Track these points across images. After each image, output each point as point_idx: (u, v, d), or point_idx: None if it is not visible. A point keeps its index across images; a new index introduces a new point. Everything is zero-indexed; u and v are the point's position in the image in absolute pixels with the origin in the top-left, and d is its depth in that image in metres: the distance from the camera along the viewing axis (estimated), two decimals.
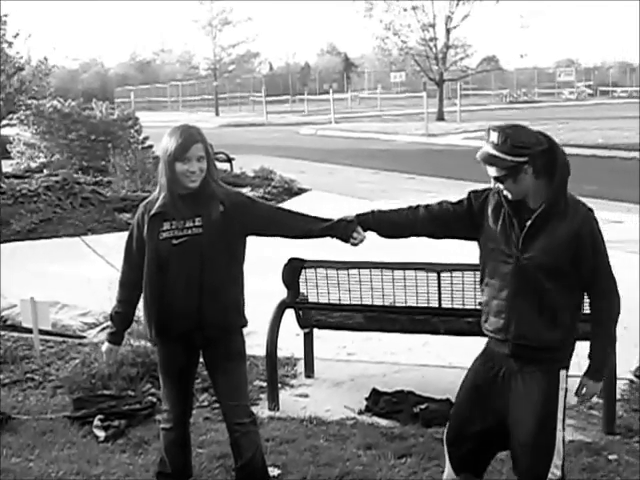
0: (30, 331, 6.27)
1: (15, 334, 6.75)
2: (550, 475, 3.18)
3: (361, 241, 3.60)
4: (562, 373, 3.29)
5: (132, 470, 4.23)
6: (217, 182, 3.59)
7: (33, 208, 12.41)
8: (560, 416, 3.24)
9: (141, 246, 3.58)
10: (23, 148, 18.31)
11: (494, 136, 3.13)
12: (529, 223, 3.18)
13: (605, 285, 3.29)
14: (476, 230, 3.38)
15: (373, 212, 3.65)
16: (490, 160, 3.14)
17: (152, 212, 3.54)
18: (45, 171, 15.95)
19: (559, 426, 3.23)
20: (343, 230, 3.61)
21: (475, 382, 3.46)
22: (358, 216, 3.62)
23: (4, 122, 18.30)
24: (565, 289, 3.22)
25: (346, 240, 3.62)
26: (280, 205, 13.80)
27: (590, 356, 3.33)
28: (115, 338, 3.79)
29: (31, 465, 4.32)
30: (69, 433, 4.75)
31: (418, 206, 3.59)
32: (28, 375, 5.78)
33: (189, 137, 3.47)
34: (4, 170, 17.44)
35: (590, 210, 3.27)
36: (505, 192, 3.20)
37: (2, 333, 6.86)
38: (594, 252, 3.23)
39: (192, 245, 3.48)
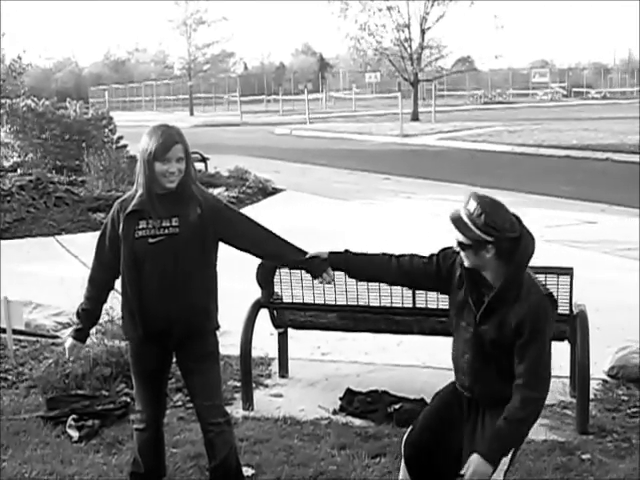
0: (3, 331, 6.22)
1: None
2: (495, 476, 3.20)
3: (329, 282, 3.75)
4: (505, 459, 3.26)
5: (106, 470, 4.21)
6: (196, 184, 3.58)
7: (6, 207, 12.30)
8: (509, 457, 3.27)
9: (114, 244, 3.57)
10: None
11: (472, 205, 3.17)
12: (485, 305, 3.24)
13: (527, 380, 3.17)
14: (445, 287, 3.47)
15: (347, 252, 3.70)
16: (460, 225, 3.19)
17: (128, 210, 3.52)
18: (19, 170, 15.80)
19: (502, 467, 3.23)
20: (315, 267, 3.68)
21: (444, 399, 3.56)
22: (331, 254, 3.67)
23: None
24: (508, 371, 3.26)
25: (315, 277, 3.74)
26: (255, 205, 13.83)
27: (489, 437, 3.21)
28: (80, 335, 3.77)
29: (4, 465, 4.30)
30: (42, 433, 4.72)
31: (391, 256, 3.62)
32: (1, 375, 5.73)
33: (169, 138, 3.46)
34: None
35: (548, 295, 3.25)
36: (463, 257, 3.25)
37: None
38: (529, 342, 3.16)
39: (168, 245, 3.47)
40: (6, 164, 17.49)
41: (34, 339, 6.49)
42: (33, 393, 5.34)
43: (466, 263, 3.25)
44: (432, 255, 3.51)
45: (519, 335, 3.17)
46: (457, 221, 3.20)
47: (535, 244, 3.26)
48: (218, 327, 3.72)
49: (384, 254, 3.67)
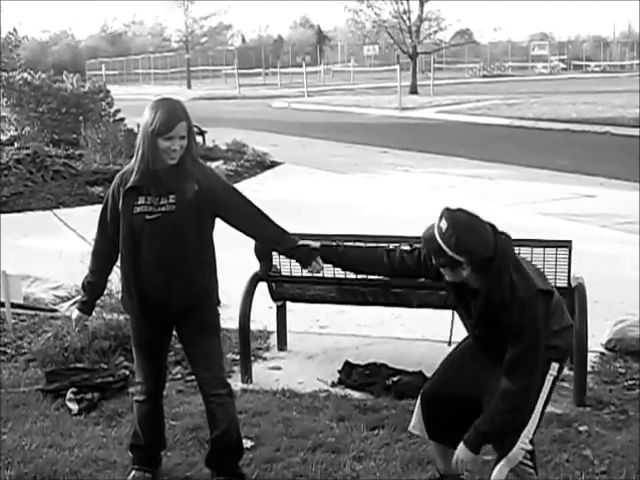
0: (2, 305, 6.23)
1: None
2: (521, 445, 3.25)
3: (318, 272, 3.70)
4: (553, 365, 3.32)
5: (105, 442, 4.23)
6: (196, 160, 3.56)
7: (4, 181, 12.26)
8: (543, 396, 3.30)
9: (115, 217, 3.56)
10: None
11: (444, 224, 3.12)
12: (476, 314, 3.25)
13: (508, 372, 3.17)
14: (436, 277, 3.40)
15: (338, 247, 3.72)
16: (432, 248, 3.15)
17: (128, 185, 3.50)
18: (16, 144, 15.73)
19: (538, 406, 3.28)
20: (304, 256, 3.66)
21: (466, 347, 3.55)
22: (323, 247, 3.67)
23: None
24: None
25: (304, 266, 3.72)
26: (252, 178, 13.79)
27: (473, 426, 3.25)
28: (85, 307, 3.78)
29: (4, 438, 4.31)
30: (42, 406, 4.73)
31: (383, 252, 3.61)
32: (0, 348, 5.74)
33: (174, 115, 3.41)
34: None
35: (541, 292, 3.18)
36: (443, 272, 3.22)
37: None
38: (519, 337, 3.15)
39: (164, 222, 3.46)
40: (3, 138, 17.42)
41: (33, 313, 6.50)
42: (32, 366, 5.36)
43: (447, 277, 3.23)
44: (418, 250, 3.46)
45: (513, 333, 3.16)
46: (429, 243, 3.15)
47: (512, 243, 3.24)
48: (219, 302, 3.72)
49: (376, 248, 3.66)
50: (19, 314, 6.35)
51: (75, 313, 3.81)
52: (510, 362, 3.17)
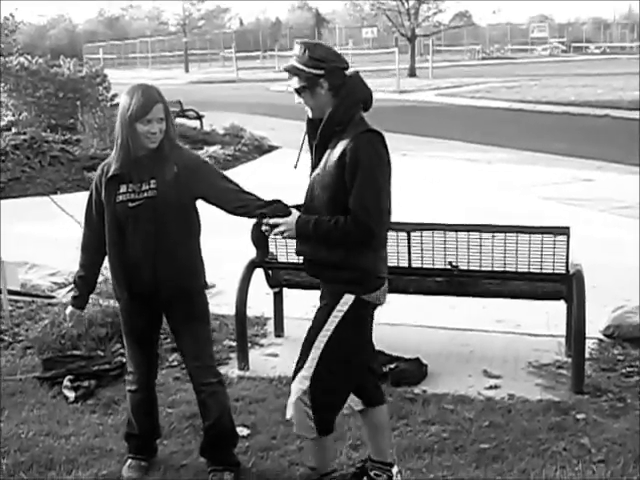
0: None
1: None
2: (304, 373, 3.31)
3: (271, 229, 3.32)
4: (346, 297, 3.24)
5: (102, 430, 4.23)
6: (174, 143, 3.53)
7: (1, 167, 12.22)
8: (327, 333, 3.25)
9: (100, 208, 3.56)
10: None
11: (297, 49, 3.26)
12: (316, 141, 3.29)
13: (353, 207, 3.10)
14: None
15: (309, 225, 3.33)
16: (291, 70, 3.26)
17: (109, 174, 3.50)
18: (13, 129, 15.65)
19: (319, 340, 3.27)
20: (273, 209, 3.38)
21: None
22: (300, 220, 3.27)
23: None
24: (338, 209, 3.15)
25: (263, 216, 3.39)
26: (250, 163, 13.74)
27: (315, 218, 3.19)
28: (79, 302, 3.78)
29: (1, 426, 4.31)
30: (39, 394, 4.73)
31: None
32: None
33: (150, 97, 3.41)
34: None
35: (371, 132, 3.16)
36: (307, 108, 3.29)
37: None
38: (354, 173, 3.09)
39: (147, 208, 3.45)
40: (0, 123, 17.36)
41: (30, 299, 6.48)
42: (29, 354, 5.35)
43: (309, 113, 3.30)
44: None
45: (342, 167, 3.12)
46: (289, 68, 3.28)
47: (367, 90, 3.25)
48: (206, 286, 3.71)
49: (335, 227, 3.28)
50: (16, 301, 6.33)
51: (69, 309, 3.80)
52: (352, 204, 3.09)
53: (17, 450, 4.01)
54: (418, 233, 5.03)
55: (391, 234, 5.07)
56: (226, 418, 3.70)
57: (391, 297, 5.54)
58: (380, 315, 5.85)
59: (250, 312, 5.27)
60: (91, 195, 3.61)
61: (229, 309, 5.22)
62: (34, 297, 6.55)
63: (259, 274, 5.26)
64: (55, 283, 6.89)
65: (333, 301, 3.26)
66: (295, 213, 3.31)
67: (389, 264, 4.98)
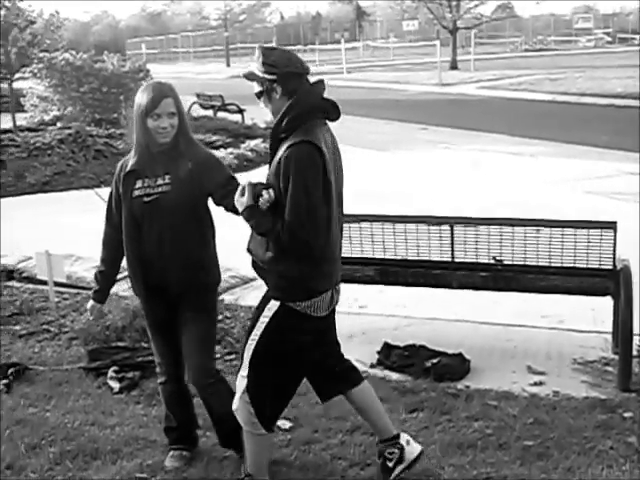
0: (45, 283, 6.32)
1: (31, 286, 6.83)
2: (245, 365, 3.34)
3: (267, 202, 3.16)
4: (272, 303, 3.27)
5: (145, 421, 4.27)
6: (189, 139, 3.57)
7: (47, 161, 12.44)
8: (255, 338, 3.31)
9: (119, 204, 3.62)
10: (36, 101, 18.27)
11: (256, 54, 3.28)
12: (269, 145, 3.28)
13: (288, 219, 3.06)
14: None
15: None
16: (248, 76, 3.28)
17: (126, 170, 3.57)
18: (58, 124, 15.91)
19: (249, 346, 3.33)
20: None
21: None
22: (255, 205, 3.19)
23: (17, 75, 18.28)
24: (279, 214, 3.11)
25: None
26: None
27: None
28: (99, 296, 3.84)
29: (47, 415, 4.39)
30: (84, 384, 4.81)
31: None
32: (44, 327, 5.85)
33: (159, 93, 3.47)
34: (18, 123, 17.44)
35: (305, 142, 3.09)
36: (270, 112, 3.29)
37: (18, 285, 6.94)
38: (286, 184, 3.08)
39: (161, 203, 3.50)
40: (46, 118, 17.64)
41: (75, 291, 6.58)
42: (75, 345, 5.44)
43: (272, 117, 3.29)
44: None
45: (277, 175, 3.11)
46: (247, 75, 3.29)
47: (320, 99, 3.24)
48: (217, 282, 3.73)
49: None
50: (62, 293, 6.44)
51: (90, 303, 3.87)
52: (287, 207, 3.06)
53: (63, 439, 4.08)
54: (462, 227, 5.00)
55: (434, 228, 5.07)
56: (229, 416, 3.57)
57: (434, 292, 5.58)
58: (422, 310, 5.89)
59: None
60: (111, 192, 3.68)
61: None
62: (79, 289, 6.65)
63: None
64: None
65: (262, 305, 3.32)
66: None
67: (432, 258, 5.03)
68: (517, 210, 7.76)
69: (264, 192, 3.12)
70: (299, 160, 3.07)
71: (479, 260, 4.99)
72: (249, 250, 3.33)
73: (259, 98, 3.29)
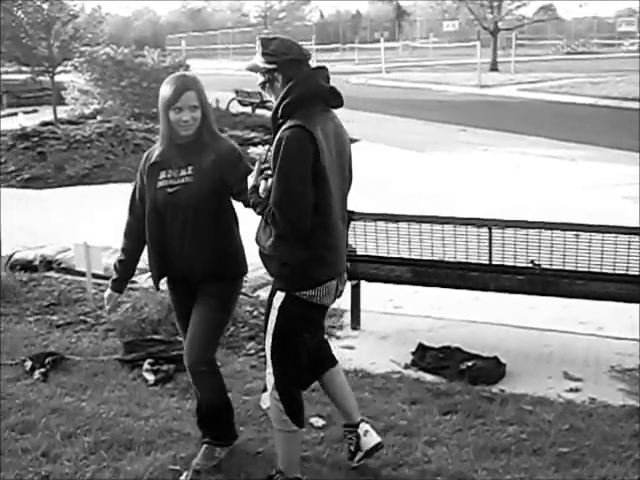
0: (83, 274, 6.39)
1: (69, 277, 6.92)
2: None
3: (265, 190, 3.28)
4: (278, 295, 3.32)
5: (179, 414, 4.30)
6: (214, 133, 3.58)
7: (86, 154, 12.57)
8: (271, 325, 3.36)
9: (143, 195, 3.64)
10: (77, 94, 18.49)
11: (256, 45, 3.32)
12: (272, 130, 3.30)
13: (273, 200, 3.13)
14: None
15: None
16: (252, 68, 3.33)
17: (151, 161, 3.59)
18: (98, 117, 16.08)
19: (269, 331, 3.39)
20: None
21: None
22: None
23: (59, 69, 18.49)
24: None
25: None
26: None
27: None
28: (117, 285, 3.85)
29: (83, 405, 4.43)
30: (119, 375, 4.85)
31: None
32: (81, 317, 5.91)
33: (181, 85, 3.48)
34: (59, 116, 17.66)
35: (298, 127, 3.11)
36: (268, 95, 3.34)
37: (56, 276, 7.03)
38: (274, 166, 3.16)
39: (183, 194, 3.51)
40: (86, 111, 17.85)
41: None
42: (111, 336, 5.49)
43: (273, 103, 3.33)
44: None
45: (275, 159, 3.15)
46: (250, 67, 3.35)
47: (324, 86, 3.28)
48: (240, 272, 3.71)
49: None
50: (99, 284, 6.49)
51: (107, 292, 3.87)
52: (273, 191, 3.13)
53: (98, 429, 4.12)
54: (500, 230, 4.96)
55: (472, 230, 5.03)
56: (216, 400, 3.69)
57: (470, 294, 5.54)
58: (457, 312, 5.86)
59: None
60: (136, 182, 3.71)
61: None
62: None
63: None
64: (137, 268, 7.01)
65: (270, 298, 3.37)
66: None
67: (469, 260, 5.00)
68: (556, 214, 7.67)
69: (262, 182, 3.22)
70: (287, 144, 3.11)
71: (517, 263, 4.94)
72: (256, 239, 3.39)
73: (263, 89, 3.33)
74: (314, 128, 3.13)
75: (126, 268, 3.83)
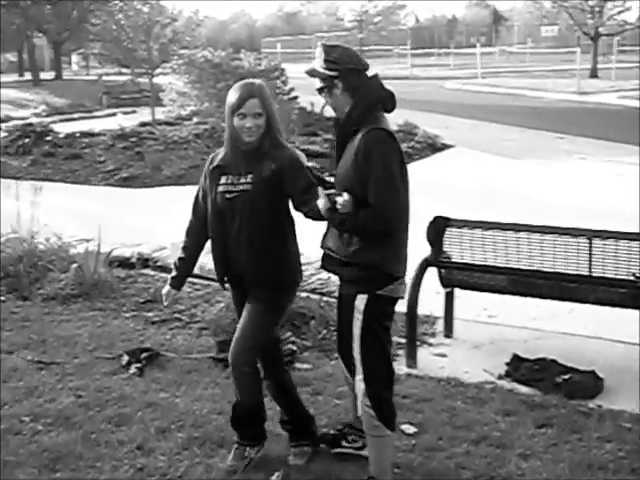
0: None
1: (164, 275, 7.05)
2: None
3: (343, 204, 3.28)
4: (360, 297, 3.37)
5: (271, 415, 4.32)
6: (277, 141, 3.57)
7: (183, 154, 12.85)
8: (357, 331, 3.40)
9: (205, 196, 3.70)
10: (175, 96, 18.90)
11: (317, 50, 3.41)
12: (336, 139, 3.40)
13: (373, 201, 3.20)
14: None
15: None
16: (311, 72, 3.41)
17: (213, 165, 3.65)
18: (195, 119, 16.41)
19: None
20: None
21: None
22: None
23: (158, 71, 18.99)
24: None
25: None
26: (423, 160, 13.64)
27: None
28: (176, 282, 3.91)
29: (177, 401, 4.52)
30: (213, 373, 4.93)
31: None
32: (176, 315, 6.03)
33: (246, 92, 3.51)
34: (157, 117, 18.13)
35: (380, 129, 3.26)
36: (330, 107, 3.43)
37: (152, 273, 7.20)
38: (368, 169, 3.21)
39: (242, 201, 3.54)
40: (183, 113, 18.23)
41: (206, 283, 6.73)
42: (204, 335, 5.59)
43: (333, 112, 3.44)
44: None
45: (356, 164, 3.22)
46: (309, 71, 3.43)
47: (385, 92, 3.38)
48: (292, 281, 3.71)
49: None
50: (194, 283, 6.61)
51: (165, 288, 3.94)
52: (370, 190, 3.20)
53: (192, 425, 4.20)
54: (600, 240, 4.81)
55: (571, 240, 4.90)
56: (253, 400, 3.75)
57: (565, 305, 5.40)
58: (553, 323, 5.71)
59: (419, 310, 5.23)
60: (200, 183, 3.76)
61: (398, 306, 5.19)
62: (210, 280, 6.80)
63: (431, 272, 5.21)
64: None
65: (349, 303, 3.40)
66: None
67: (568, 271, 4.86)
68: None
69: (338, 198, 3.24)
70: (378, 145, 3.24)
71: (618, 276, 4.78)
72: (327, 248, 3.46)
73: (320, 93, 3.42)
74: (392, 130, 3.32)
75: (186, 266, 3.90)
